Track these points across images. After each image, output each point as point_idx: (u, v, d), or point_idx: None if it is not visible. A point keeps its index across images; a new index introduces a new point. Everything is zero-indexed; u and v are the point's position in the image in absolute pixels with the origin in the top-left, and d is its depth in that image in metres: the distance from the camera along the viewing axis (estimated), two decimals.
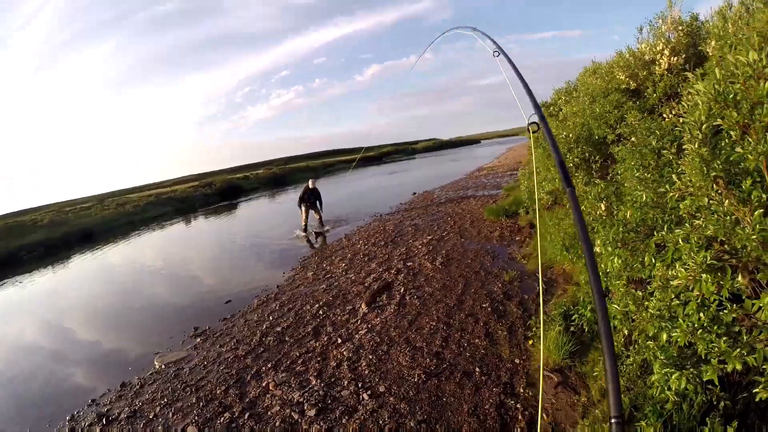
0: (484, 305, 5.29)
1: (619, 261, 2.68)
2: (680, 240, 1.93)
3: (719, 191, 1.90)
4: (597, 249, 2.78)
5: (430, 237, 9.22)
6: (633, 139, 3.65)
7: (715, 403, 2.39)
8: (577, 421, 2.96)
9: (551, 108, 10.98)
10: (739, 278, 1.71)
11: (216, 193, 33.86)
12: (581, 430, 2.81)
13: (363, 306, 5.90)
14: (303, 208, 12.28)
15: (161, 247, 15.96)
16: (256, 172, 47.40)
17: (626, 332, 3.00)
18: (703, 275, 1.74)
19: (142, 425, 4.04)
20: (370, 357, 4.49)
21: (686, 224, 1.95)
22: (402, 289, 6.32)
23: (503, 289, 5.70)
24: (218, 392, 4.35)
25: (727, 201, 1.82)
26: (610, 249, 2.74)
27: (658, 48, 5.72)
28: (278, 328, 5.66)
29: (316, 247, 10.37)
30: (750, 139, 1.77)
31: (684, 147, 2.05)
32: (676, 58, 5.51)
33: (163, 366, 5.26)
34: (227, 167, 68.86)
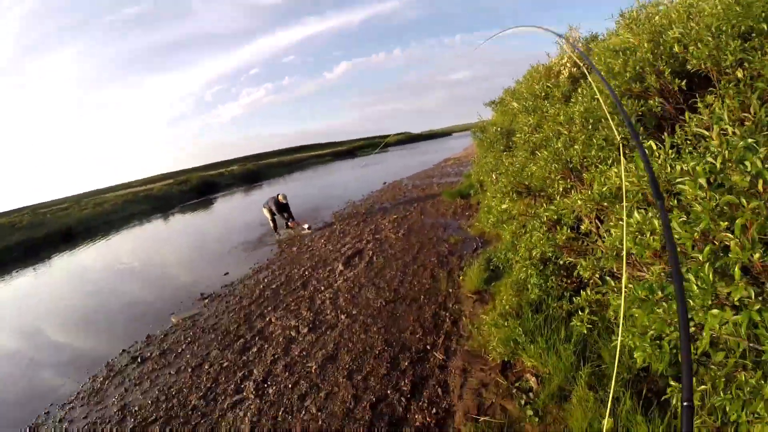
0: (432, 259, 6.89)
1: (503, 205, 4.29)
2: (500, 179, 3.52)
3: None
4: (488, 202, 4.37)
5: (396, 216, 10.76)
6: (520, 135, 5.26)
7: (565, 294, 3.96)
8: (483, 321, 4.55)
9: (498, 106, 12.63)
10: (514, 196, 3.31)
11: (192, 189, 34.51)
12: (486, 320, 4.40)
13: (340, 266, 7.42)
14: (269, 215, 11.76)
15: (151, 239, 17.15)
16: (230, 168, 47.99)
17: (516, 258, 4.61)
18: (499, 195, 3.33)
19: (173, 357, 5.41)
20: (346, 296, 6.04)
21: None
22: (371, 253, 7.87)
23: (449, 249, 7.30)
24: (231, 329, 5.78)
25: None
26: (494, 200, 4.33)
27: (563, 61, 7.31)
28: (273, 286, 7.12)
29: (296, 230, 11.61)
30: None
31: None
32: (575, 69, 7.09)
33: (180, 320, 6.59)
34: (201, 165, 68.99)
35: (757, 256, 1.24)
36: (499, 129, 7.14)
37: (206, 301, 7.23)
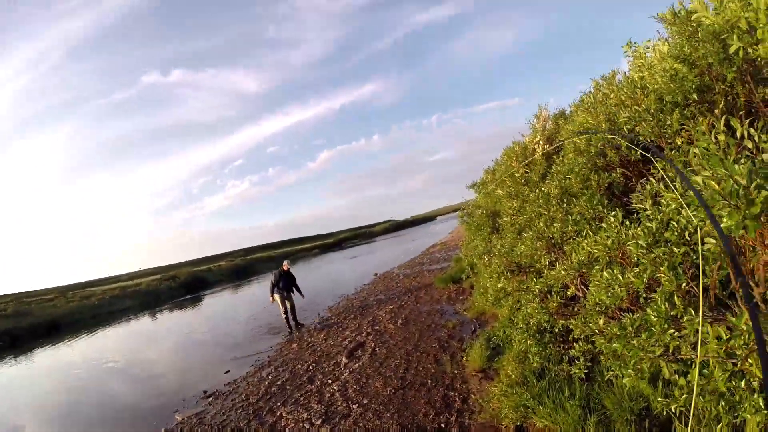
0: (433, 345, 7.12)
1: (499, 284, 4.70)
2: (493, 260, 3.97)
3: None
4: (483, 283, 4.78)
5: (391, 306, 11.01)
6: (506, 218, 5.81)
7: (564, 358, 4.26)
8: (492, 393, 4.76)
9: (480, 186, 13.38)
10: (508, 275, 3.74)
11: (181, 286, 34.05)
12: (494, 392, 4.60)
13: (344, 359, 7.55)
14: (278, 298, 11.14)
15: (143, 337, 16.83)
16: (218, 263, 47.93)
17: (515, 332, 4.93)
18: (494, 275, 3.75)
19: None
20: (355, 386, 6.16)
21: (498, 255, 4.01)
22: (372, 345, 8.03)
23: (448, 333, 7.56)
24: (242, 425, 5.79)
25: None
26: (490, 280, 4.75)
27: (536, 139, 8.00)
28: (279, 382, 7.17)
29: (294, 328, 11.44)
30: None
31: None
32: (548, 145, 7.73)
33: (185, 418, 6.53)
34: (189, 259, 68.92)
35: (684, 285, 1.66)
36: (484, 211, 7.69)
37: (210, 398, 7.18)
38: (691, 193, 1.46)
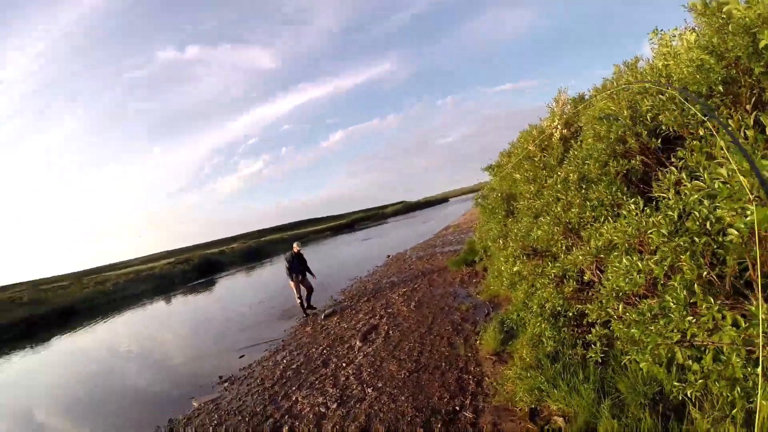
0: (447, 328, 7.16)
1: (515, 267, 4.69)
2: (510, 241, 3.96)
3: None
4: (498, 266, 4.78)
5: (404, 289, 11.07)
6: (523, 202, 5.77)
7: (578, 342, 4.28)
8: (506, 376, 4.79)
9: (495, 169, 13.26)
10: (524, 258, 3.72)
11: (194, 269, 34.59)
12: (509, 375, 4.64)
13: (358, 342, 7.63)
14: (293, 281, 10.91)
15: (158, 322, 17.26)
16: (231, 246, 48.45)
17: (529, 316, 4.94)
18: (511, 259, 3.74)
19: None
20: (369, 370, 6.23)
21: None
22: (386, 328, 8.10)
23: (461, 316, 7.60)
24: (258, 410, 5.90)
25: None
26: (506, 264, 4.74)
27: (554, 123, 7.85)
28: (293, 366, 7.28)
29: (308, 312, 11.48)
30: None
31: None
32: (566, 130, 7.62)
33: (202, 404, 6.66)
34: (202, 242, 69.89)
35: (705, 273, 1.65)
36: (499, 194, 7.63)
37: (226, 384, 7.34)
38: (717, 185, 1.45)
